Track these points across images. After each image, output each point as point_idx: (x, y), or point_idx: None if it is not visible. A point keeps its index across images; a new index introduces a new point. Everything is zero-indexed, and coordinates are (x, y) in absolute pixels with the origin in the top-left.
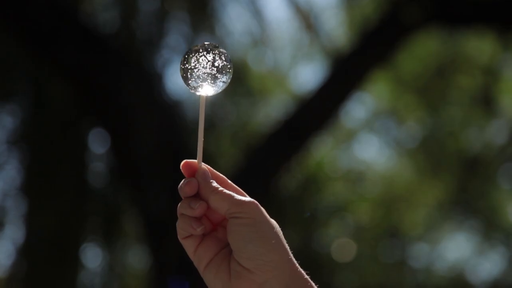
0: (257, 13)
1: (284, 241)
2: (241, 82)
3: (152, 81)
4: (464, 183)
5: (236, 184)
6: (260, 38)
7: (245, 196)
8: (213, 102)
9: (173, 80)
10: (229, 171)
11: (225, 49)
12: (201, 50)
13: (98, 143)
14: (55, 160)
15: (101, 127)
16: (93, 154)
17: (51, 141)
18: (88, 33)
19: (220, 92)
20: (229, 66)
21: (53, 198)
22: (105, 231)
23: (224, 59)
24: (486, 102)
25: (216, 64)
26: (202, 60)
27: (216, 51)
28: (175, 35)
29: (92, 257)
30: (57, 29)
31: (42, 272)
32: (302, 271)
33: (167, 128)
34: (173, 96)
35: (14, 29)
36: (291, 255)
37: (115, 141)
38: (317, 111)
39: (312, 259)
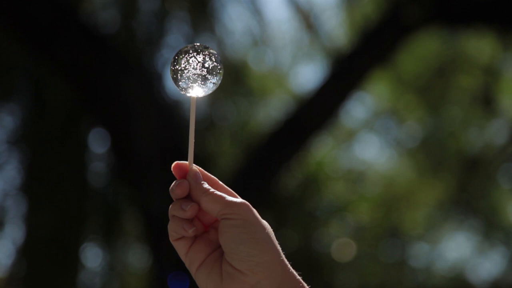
0: (257, 13)
1: (276, 242)
2: (241, 82)
3: (152, 80)
4: (464, 183)
5: (236, 184)
6: (260, 38)
7: (236, 197)
8: (213, 102)
9: None
10: (229, 171)
11: (215, 50)
12: (191, 51)
13: (98, 143)
14: (55, 160)
15: (101, 126)
16: (93, 154)
17: (51, 141)
18: (88, 33)
19: (221, 92)
20: (219, 67)
21: (53, 198)
22: (105, 231)
23: (214, 60)
24: (486, 102)
25: (206, 65)
26: (192, 61)
27: (206, 52)
28: (175, 35)
29: (92, 256)
30: (57, 28)
31: (42, 272)
32: (294, 272)
33: (167, 127)
34: (173, 95)
35: (14, 28)
36: (283, 256)
37: (115, 140)
38: (317, 111)
39: (312, 259)
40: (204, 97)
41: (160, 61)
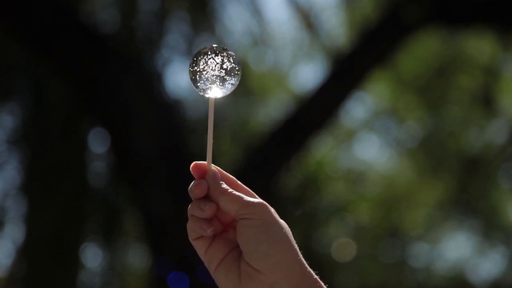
0: (257, 13)
1: (294, 242)
2: (241, 82)
3: (152, 80)
4: (464, 183)
5: None
6: (260, 38)
7: (255, 197)
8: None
9: (173, 80)
10: (229, 170)
11: (233, 51)
12: (209, 53)
13: (98, 143)
14: (55, 160)
15: (101, 126)
16: (93, 154)
17: (51, 141)
18: (88, 33)
19: (223, 96)
20: (237, 68)
21: (53, 198)
22: (105, 231)
23: (232, 61)
24: (486, 102)
25: (224, 66)
26: (211, 62)
27: (225, 54)
28: (175, 35)
29: (92, 256)
30: (57, 28)
31: (42, 272)
32: (312, 271)
33: (167, 127)
34: (173, 95)
35: (14, 28)
36: (300, 255)
37: (115, 140)
38: (317, 111)
39: (312, 259)
40: (219, 98)
41: (160, 61)
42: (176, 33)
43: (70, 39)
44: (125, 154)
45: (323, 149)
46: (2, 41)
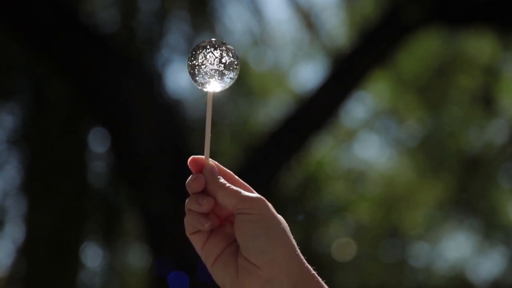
0: (257, 13)
1: (291, 237)
2: (241, 81)
3: (152, 80)
4: (464, 183)
5: None
6: (260, 38)
7: (252, 192)
8: (214, 101)
9: (174, 79)
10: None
11: (232, 45)
12: (208, 47)
13: (98, 143)
14: (55, 160)
15: (101, 126)
16: (93, 154)
17: (51, 141)
18: (88, 33)
19: (221, 91)
20: (236, 63)
21: (53, 198)
22: (105, 231)
23: (231, 55)
24: (486, 102)
25: (223, 60)
26: (210, 56)
27: (223, 48)
28: (175, 35)
29: (92, 256)
30: (57, 28)
31: (42, 272)
32: (309, 267)
33: (167, 127)
34: (173, 95)
35: (14, 28)
36: (298, 250)
37: (115, 140)
38: (317, 111)
39: (312, 259)
40: (219, 92)
41: (160, 61)
42: (176, 33)
43: (70, 39)
44: (125, 154)
45: (323, 149)
46: (2, 41)
